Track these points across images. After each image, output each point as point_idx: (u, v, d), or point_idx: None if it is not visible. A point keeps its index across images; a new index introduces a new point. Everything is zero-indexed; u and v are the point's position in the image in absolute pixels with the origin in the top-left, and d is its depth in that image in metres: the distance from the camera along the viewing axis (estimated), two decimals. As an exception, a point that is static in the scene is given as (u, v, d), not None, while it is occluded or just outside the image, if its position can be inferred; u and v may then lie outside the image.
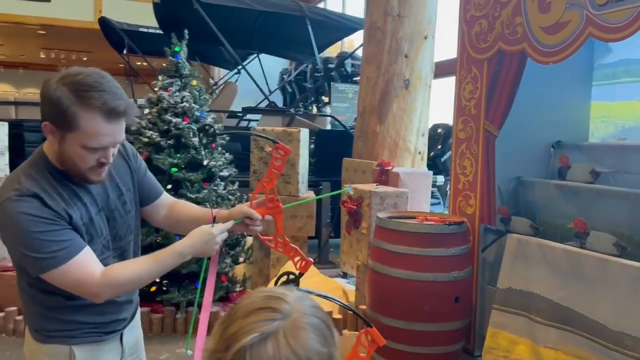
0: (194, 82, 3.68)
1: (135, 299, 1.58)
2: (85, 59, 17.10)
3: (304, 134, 4.20)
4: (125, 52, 7.81)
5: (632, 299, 2.28)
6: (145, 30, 7.83)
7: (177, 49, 3.61)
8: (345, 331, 3.57)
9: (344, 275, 4.76)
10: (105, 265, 1.35)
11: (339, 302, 1.14)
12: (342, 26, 6.86)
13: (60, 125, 1.27)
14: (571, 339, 2.55)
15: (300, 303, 0.75)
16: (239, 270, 3.87)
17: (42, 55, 16.88)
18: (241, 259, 3.83)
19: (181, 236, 1.48)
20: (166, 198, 1.68)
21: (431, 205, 5.23)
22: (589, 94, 3.40)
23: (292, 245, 1.70)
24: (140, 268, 1.36)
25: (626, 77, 3.22)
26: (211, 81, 10.49)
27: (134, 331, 1.59)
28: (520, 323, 2.79)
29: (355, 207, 3.69)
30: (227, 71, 9.65)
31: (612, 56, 3.29)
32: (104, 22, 7.82)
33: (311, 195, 4.26)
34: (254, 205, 1.62)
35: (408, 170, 4.22)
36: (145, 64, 9.17)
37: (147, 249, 3.50)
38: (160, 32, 7.36)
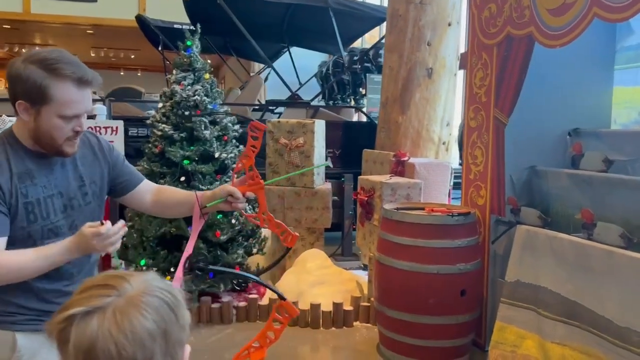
0: (207, 76, 3.73)
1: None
2: (132, 56, 17.69)
3: (320, 125, 4.19)
4: (160, 48, 8.00)
5: (638, 292, 2.16)
6: (180, 27, 8.00)
7: (189, 42, 3.67)
8: (356, 323, 3.56)
9: (365, 268, 4.74)
10: None
11: (248, 275, 1.15)
12: (369, 16, 6.77)
13: (35, 100, 1.35)
14: (578, 334, 2.45)
15: (145, 284, 0.76)
16: (253, 262, 3.92)
17: (92, 54, 17.56)
18: (254, 251, 3.87)
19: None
20: (149, 184, 1.74)
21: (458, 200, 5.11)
22: (611, 78, 3.22)
23: (277, 220, 1.74)
24: (25, 260, 1.35)
25: (651, 59, 3.03)
26: (250, 76, 10.62)
27: None
28: (528, 317, 2.69)
29: (367, 198, 3.66)
30: (264, 66, 9.75)
31: (635, 37, 3.10)
32: (140, 20, 8.05)
33: (328, 187, 4.25)
34: (235, 183, 1.67)
35: (425, 160, 4.14)
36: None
37: (161, 239, 3.59)
38: (193, 28, 7.53)
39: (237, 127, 3.85)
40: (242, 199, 1.63)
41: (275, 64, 7.58)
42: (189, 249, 1.65)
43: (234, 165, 3.66)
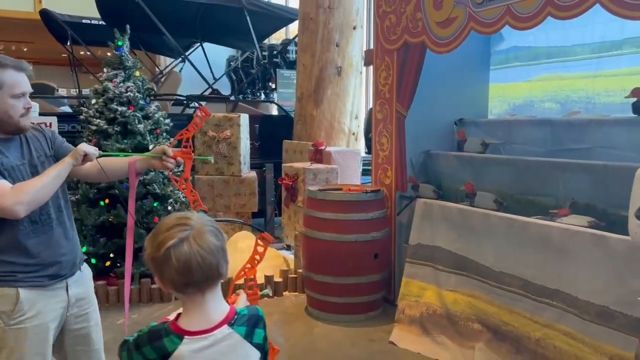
0: (137, 73, 3.99)
1: (71, 248, 1.90)
2: (25, 49, 16.66)
3: (244, 119, 4.59)
4: (69, 43, 7.88)
5: (507, 243, 2.84)
6: (88, 21, 7.94)
7: (119, 42, 3.91)
8: (285, 292, 4.03)
9: (288, 248, 5.22)
10: None
11: (238, 221, 1.61)
12: (279, 16, 7.21)
13: None
14: (466, 281, 3.10)
15: (200, 219, 1.19)
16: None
17: (-23, 46, 16.34)
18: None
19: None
20: None
21: (369, 182, 5.73)
22: (487, 77, 3.95)
23: (193, 190, 2.14)
24: (40, 178, 1.74)
25: (515, 61, 3.76)
26: (157, 70, 10.63)
27: (81, 287, 1.92)
28: (427, 272, 3.32)
29: (291, 183, 4.13)
30: (173, 60, 9.85)
31: (504, 44, 3.83)
32: (45, 14, 7.86)
33: (253, 175, 4.66)
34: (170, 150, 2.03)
35: (339, 149, 4.69)
36: (87, 53, 9.24)
37: (100, 227, 3.81)
38: (103, 22, 7.51)
39: (167, 120, 4.15)
40: (172, 160, 1.97)
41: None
42: (130, 207, 2.02)
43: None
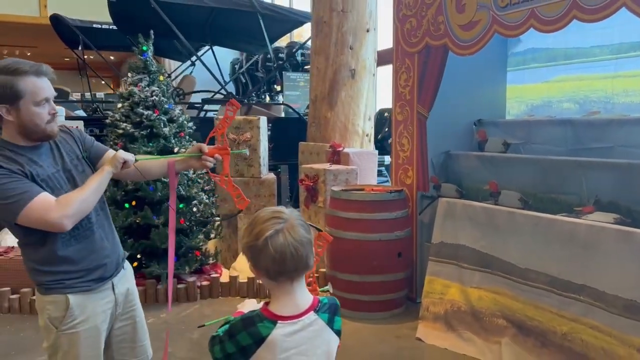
0: (162, 78, 4.07)
1: (113, 248, 1.92)
2: (29, 53, 16.74)
3: (263, 121, 4.66)
4: (80, 48, 7.96)
5: (533, 240, 2.91)
6: (99, 26, 8.02)
7: (144, 48, 3.98)
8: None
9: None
10: None
11: (313, 226, 1.68)
12: (290, 19, 7.30)
13: (11, 99, 1.68)
14: (490, 278, 3.17)
15: (291, 214, 1.27)
16: (211, 245, 4.33)
17: (-17, 51, 16.41)
18: (212, 235, 4.28)
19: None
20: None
21: (381, 182, 5.81)
22: (504, 78, 4.04)
23: (235, 184, 2.11)
24: (83, 189, 1.73)
25: (533, 63, 3.85)
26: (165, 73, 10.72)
27: (126, 283, 1.95)
28: (451, 270, 3.39)
29: (312, 184, 4.20)
30: (180, 63, 9.94)
31: (521, 46, 3.91)
32: (56, 19, 7.95)
33: (272, 177, 4.73)
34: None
35: (357, 150, 4.77)
36: (92, 57, 9.32)
37: (128, 229, 3.90)
38: (114, 27, 7.60)
39: (191, 124, 4.22)
40: (211, 159, 1.95)
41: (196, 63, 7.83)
42: (172, 204, 2.05)
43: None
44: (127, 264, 2.02)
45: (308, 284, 2.07)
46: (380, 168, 6.44)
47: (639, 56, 3.15)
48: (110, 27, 7.83)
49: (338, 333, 1.34)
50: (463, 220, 3.34)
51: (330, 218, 3.67)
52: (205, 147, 1.95)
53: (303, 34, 11.12)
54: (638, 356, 2.32)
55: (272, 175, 4.77)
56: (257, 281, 4.04)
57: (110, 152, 1.97)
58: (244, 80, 9.85)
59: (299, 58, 9.36)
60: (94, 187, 1.73)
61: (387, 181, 7.01)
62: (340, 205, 3.60)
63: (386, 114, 7.69)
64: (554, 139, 3.34)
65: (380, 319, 3.56)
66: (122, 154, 1.81)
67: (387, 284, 3.54)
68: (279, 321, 1.25)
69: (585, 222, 2.68)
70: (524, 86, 3.96)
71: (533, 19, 2.82)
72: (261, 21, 6.64)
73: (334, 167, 4.24)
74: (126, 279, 1.97)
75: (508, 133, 3.61)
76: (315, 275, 1.98)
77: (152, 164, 2.04)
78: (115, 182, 3.64)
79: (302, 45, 7.97)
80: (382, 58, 5.90)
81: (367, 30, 5.56)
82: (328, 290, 1.75)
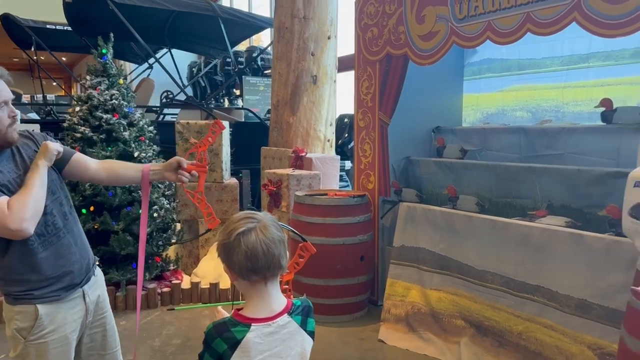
0: (121, 81, 4.00)
1: (82, 254, 1.86)
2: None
3: (225, 126, 4.64)
4: (33, 49, 7.70)
5: (489, 243, 3.02)
6: (53, 27, 7.78)
7: (104, 51, 3.91)
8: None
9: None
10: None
11: (298, 234, 1.70)
12: (251, 25, 7.30)
13: None
14: (449, 280, 3.27)
15: (265, 216, 1.30)
16: (172, 251, 4.27)
17: None
18: (173, 241, 4.22)
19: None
20: (84, 156, 1.98)
21: (343, 187, 5.88)
22: (461, 87, 4.18)
23: (207, 203, 2.14)
24: (28, 189, 1.66)
25: (488, 73, 4.01)
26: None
27: (97, 290, 1.91)
28: (411, 272, 3.48)
29: (275, 189, 4.22)
30: (137, 65, 9.75)
31: (477, 56, 4.07)
32: (7, 18, 7.66)
33: (234, 182, 4.72)
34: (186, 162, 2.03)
35: (319, 155, 4.82)
36: (42, 58, 9.02)
37: (86, 235, 3.81)
38: (68, 28, 7.39)
39: (151, 128, 4.16)
40: (188, 175, 1.96)
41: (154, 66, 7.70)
42: (144, 214, 2.02)
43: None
44: (98, 270, 1.98)
45: (283, 291, 2.10)
46: (341, 173, 6.51)
47: (587, 68, 3.33)
48: (65, 27, 7.61)
49: (311, 334, 1.37)
50: (423, 224, 3.43)
51: (294, 223, 3.70)
52: (185, 162, 1.95)
53: (262, 38, 11.14)
54: (590, 353, 2.45)
55: (234, 180, 4.76)
56: (219, 287, 4.02)
57: (83, 156, 1.93)
58: (202, 84, 9.75)
59: (259, 62, 9.36)
60: (38, 184, 1.67)
61: (348, 186, 7.10)
62: (304, 210, 3.63)
63: (346, 120, 7.78)
64: (509, 146, 3.49)
65: (343, 321, 3.61)
66: (53, 145, 1.75)
67: (350, 287, 3.59)
68: (253, 324, 1.27)
69: (538, 225, 2.81)
70: (480, 95, 4.12)
71: (489, 31, 2.94)
72: (222, 25, 6.62)
73: (297, 172, 4.27)
74: (97, 285, 1.93)
75: (465, 140, 3.75)
76: (285, 285, 2.00)
77: (126, 167, 2.01)
78: (73, 186, 3.55)
79: (263, 50, 7.98)
80: (343, 64, 5.99)
81: (329, 38, 5.64)
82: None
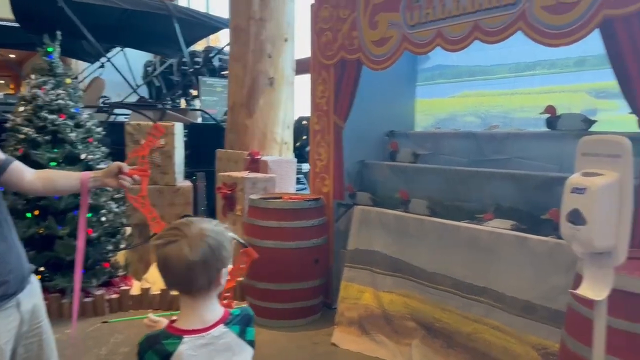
0: (68, 80, 3.86)
1: (18, 263, 1.78)
2: None
3: (179, 128, 4.56)
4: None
5: (439, 246, 3.08)
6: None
7: (49, 49, 3.77)
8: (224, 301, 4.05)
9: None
10: None
11: (239, 241, 1.67)
12: (207, 25, 7.21)
13: None
14: (401, 282, 3.31)
15: (200, 232, 1.25)
16: (121, 257, 4.16)
17: None
18: (122, 246, 4.11)
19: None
20: (22, 165, 1.88)
21: (300, 190, 5.87)
22: (414, 92, 4.25)
23: (151, 207, 2.10)
24: None
25: (440, 79, 4.09)
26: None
27: (32, 299, 1.82)
28: (365, 275, 3.50)
29: (230, 192, 4.17)
30: (88, 64, 9.47)
31: (430, 62, 4.14)
32: (-54, 11, 7.29)
33: (188, 185, 4.63)
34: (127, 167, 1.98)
35: (275, 158, 4.79)
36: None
37: (30, 240, 3.67)
38: (16, 24, 7.11)
39: (100, 129, 4.04)
40: (129, 179, 1.91)
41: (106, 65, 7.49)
42: (81, 224, 1.97)
43: (99, 167, 3.89)
44: (33, 277, 1.88)
45: (224, 299, 2.06)
46: (299, 176, 6.51)
47: (533, 75, 3.45)
48: (12, 23, 7.31)
49: (251, 344, 1.35)
50: (377, 227, 3.46)
51: (249, 226, 3.67)
52: (125, 167, 1.90)
53: (220, 38, 11.01)
54: (534, 354, 2.52)
55: (187, 183, 4.68)
56: (170, 294, 3.93)
57: (20, 165, 1.83)
58: (157, 84, 9.55)
59: (216, 63, 9.24)
60: None
61: (306, 189, 7.10)
62: (258, 214, 3.60)
63: (304, 122, 7.77)
64: (459, 151, 3.57)
65: (297, 326, 3.60)
66: None
67: (304, 291, 3.59)
68: (185, 336, 1.24)
69: (485, 228, 2.88)
70: (432, 100, 4.20)
71: (439, 38, 3.00)
72: (176, 25, 6.50)
73: (253, 175, 4.24)
74: (32, 294, 1.84)
75: (417, 144, 3.81)
76: (227, 294, 1.96)
77: (64, 176, 1.94)
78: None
79: (219, 51, 7.89)
80: (300, 67, 5.99)
81: (286, 40, 5.62)
82: None
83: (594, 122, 2.84)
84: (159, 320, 1.39)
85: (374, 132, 4.00)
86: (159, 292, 3.94)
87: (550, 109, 3.02)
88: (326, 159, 3.90)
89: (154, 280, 4.06)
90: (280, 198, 3.75)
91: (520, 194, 2.96)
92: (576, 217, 1.52)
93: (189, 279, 1.24)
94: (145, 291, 3.93)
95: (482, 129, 3.66)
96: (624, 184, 1.48)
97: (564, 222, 1.58)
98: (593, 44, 2.60)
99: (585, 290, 1.58)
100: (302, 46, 5.97)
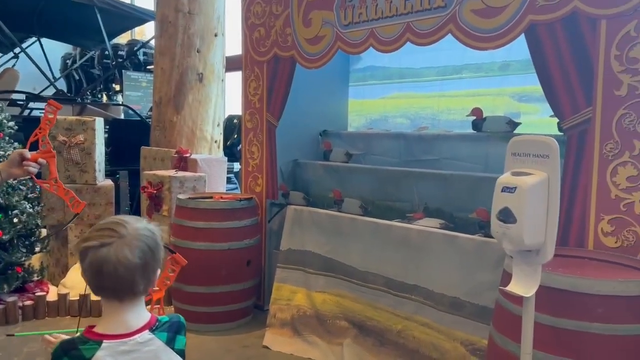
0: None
1: None
2: None
3: (99, 123, 4.30)
4: None
5: (371, 245, 3.10)
6: None
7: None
8: (147, 307, 3.87)
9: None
10: None
11: (167, 247, 1.56)
12: (132, 16, 6.90)
13: None
14: (334, 282, 3.31)
15: (136, 233, 1.17)
16: (36, 261, 3.86)
17: None
18: (37, 249, 3.82)
19: None
20: None
21: (231, 190, 5.73)
22: (346, 92, 4.26)
23: (65, 187, 2.02)
24: None
25: (372, 80, 4.13)
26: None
27: None
28: (298, 276, 3.46)
29: (155, 191, 3.99)
30: (1, 54, 8.78)
31: (362, 63, 4.17)
32: None
33: (109, 184, 4.38)
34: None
35: (205, 156, 4.65)
36: None
37: None
38: None
39: (12, 123, 3.73)
40: (35, 165, 1.82)
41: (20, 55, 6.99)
42: None
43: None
44: None
45: (152, 310, 1.95)
46: (230, 175, 6.36)
47: (459, 78, 3.56)
48: None
49: (180, 353, 1.26)
50: (310, 227, 3.44)
51: (177, 228, 3.52)
52: (27, 153, 1.80)
53: (145, 32, 10.61)
54: (462, 349, 2.59)
55: (109, 182, 4.42)
56: (90, 299, 3.70)
57: None
58: (77, 77, 9.03)
59: (141, 57, 8.88)
60: None
61: (237, 188, 6.96)
62: (187, 214, 3.46)
63: (235, 121, 7.63)
64: (390, 151, 3.62)
65: (227, 329, 3.49)
66: None
67: (236, 294, 3.49)
68: (105, 341, 1.15)
69: (416, 227, 2.93)
70: (364, 101, 4.23)
71: (372, 39, 3.02)
72: (98, 15, 6.16)
73: (181, 173, 4.08)
74: None
75: (350, 144, 3.82)
76: (156, 305, 1.86)
77: None
78: None
79: (144, 44, 7.57)
80: (231, 64, 5.86)
81: (215, 35, 5.47)
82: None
83: (518, 124, 2.97)
84: (59, 336, 1.28)
85: (307, 131, 3.97)
86: (77, 297, 3.69)
87: (476, 112, 3.12)
88: (259, 158, 3.82)
89: (72, 284, 3.81)
90: (210, 198, 3.63)
91: (448, 193, 3.04)
92: (506, 216, 1.56)
93: (128, 283, 1.16)
94: (62, 297, 3.67)
95: (411, 130, 3.73)
96: (551, 183, 1.53)
97: (494, 220, 1.61)
98: (517, 48, 2.73)
99: (515, 287, 1.63)
100: (233, 43, 5.86)
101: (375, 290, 3.08)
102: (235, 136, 7.55)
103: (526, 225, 1.53)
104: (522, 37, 2.41)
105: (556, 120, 2.79)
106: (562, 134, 2.81)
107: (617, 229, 2.12)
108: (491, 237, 2.62)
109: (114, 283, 1.15)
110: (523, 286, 1.61)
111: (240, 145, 7.52)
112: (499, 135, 3.01)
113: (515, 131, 2.98)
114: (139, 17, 6.95)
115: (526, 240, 1.54)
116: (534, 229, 1.54)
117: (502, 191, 1.58)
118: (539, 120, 3.10)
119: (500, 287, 1.64)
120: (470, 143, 3.21)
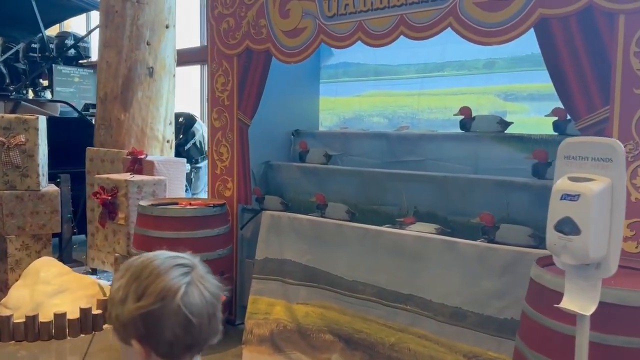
0: None
1: None
2: None
3: (42, 122, 3.84)
4: None
5: (360, 252, 2.89)
6: None
7: None
8: (106, 325, 3.47)
9: (93, 272, 4.55)
10: None
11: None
12: (71, 5, 6.33)
13: None
14: (317, 293, 3.07)
15: (186, 254, 0.90)
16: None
17: None
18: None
19: None
20: None
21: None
22: (317, 90, 4.03)
23: None
24: None
25: (345, 77, 3.92)
26: None
27: None
28: (275, 287, 3.20)
29: (110, 197, 3.58)
30: None
31: (334, 59, 3.95)
32: None
33: (54, 189, 3.91)
34: None
35: (162, 158, 4.28)
36: None
37: None
38: None
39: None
40: None
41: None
42: None
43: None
44: None
45: None
46: (179, 177, 5.95)
47: (440, 76, 3.42)
48: None
49: None
50: (289, 234, 3.19)
51: (140, 238, 3.15)
52: None
53: (71, 24, 9.95)
54: (465, 362, 2.44)
55: (54, 187, 3.96)
56: (38, 320, 3.25)
57: None
58: (3, 71, 8.22)
59: (72, 50, 8.23)
60: None
61: (187, 190, 6.55)
62: (150, 223, 3.11)
63: (181, 119, 7.20)
64: (370, 152, 3.43)
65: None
66: None
67: (208, 309, 3.18)
68: None
69: (411, 233, 2.76)
70: (337, 99, 4.02)
71: (361, 32, 2.82)
72: (34, 3, 5.56)
73: (137, 177, 3.70)
74: None
75: (326, 144, 3.60)
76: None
77: None
78: None
79: (83, 37, 6.98)
80: (182, 58, 5.48)
81: (167, 27, 5.09)
82: None
83: (510, 123, 2.87)
84: None
85: (278, 130, 3.71)
86: (22, 319, 3.23)
87: (464, 111, 2.99)
88: (229, 160, 3.52)
89: (15, 305, 3.34)
90: (175, 204, 3.29)
91: (440, 196, 2.90)
92: (568, 226, 1.40)
93: (219, 322, 0.98)
94: (5, 319, 3.20)
95: (391, 130, 3.56)
96: (616, 189, 1.39)
97: (551, 232, 1.45)
98: (503, 46, 2.61)
99: (570, 304, 1.48)
100: (182, 35, 5.48)
101: (364, 301, 2.88)
102: (182, 136, 7.13)
103: (592, 236, 1.38)
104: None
105: (551, 119, 2.73)
106: (557, 134, 2.76)
107: (637, 234, 2.04)
108: (496, 242, 2.53)
109: (213, 328, 1.00)
110: (579, 303, 1.46)
111: (187, 145, 7.12)
112: (490, 135, 2.90)
113: (507, 131, 2.88)
114: (78, 7, 6.37)
115: (591, 254, 1.39)
116: (599, 240, 1.39)
117: (561, 199, 1.42)
118: (529, 120, 3.02)
119: (557, 305, 1.48)
120: (459, 143, 3.08)
